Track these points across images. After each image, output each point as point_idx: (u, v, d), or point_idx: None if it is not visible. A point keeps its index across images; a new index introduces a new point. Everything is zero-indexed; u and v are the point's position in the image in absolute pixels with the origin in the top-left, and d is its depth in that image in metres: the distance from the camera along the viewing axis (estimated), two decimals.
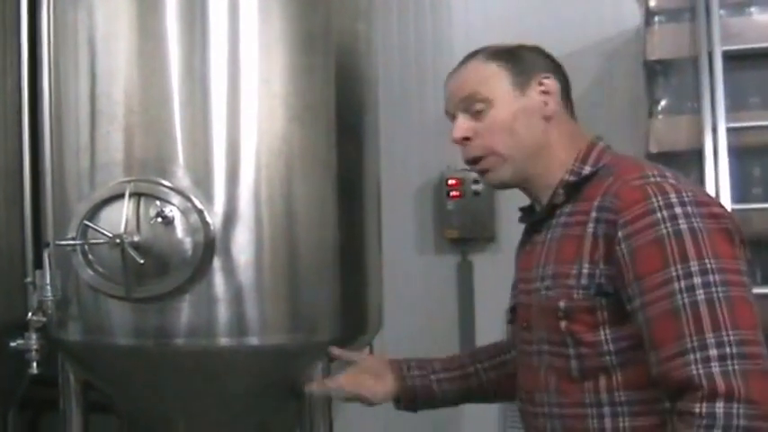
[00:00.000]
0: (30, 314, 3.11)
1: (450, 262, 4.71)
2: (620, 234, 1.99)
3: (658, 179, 2.04)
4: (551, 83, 2.24)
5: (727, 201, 3.40)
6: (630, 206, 2.00)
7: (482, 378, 2.67)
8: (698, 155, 3.54)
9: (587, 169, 2.19)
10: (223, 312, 2.96)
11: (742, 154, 3.56)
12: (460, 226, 4.59)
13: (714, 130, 3.52)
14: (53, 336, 3.16)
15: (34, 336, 3.11)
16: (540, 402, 2.22)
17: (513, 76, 2.24)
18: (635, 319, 2.01)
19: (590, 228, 2.07)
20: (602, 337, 2.06)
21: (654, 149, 3.66)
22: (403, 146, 4.63)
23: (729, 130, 3.51)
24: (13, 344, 3.13)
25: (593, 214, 2.07)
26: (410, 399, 2.68)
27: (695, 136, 3.57)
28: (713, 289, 1.91)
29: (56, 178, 3.16)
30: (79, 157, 3.08)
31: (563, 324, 2.11)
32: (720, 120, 3.52)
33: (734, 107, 3.60)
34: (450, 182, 4.58)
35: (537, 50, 2.32)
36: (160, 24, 3.02)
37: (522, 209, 2.45)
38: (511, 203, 4.15)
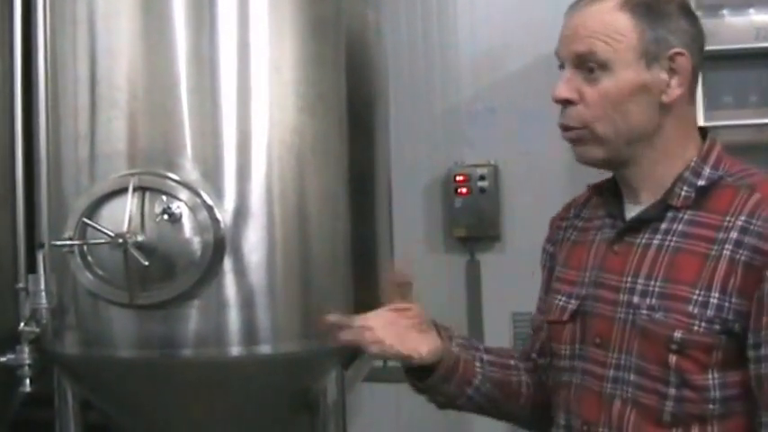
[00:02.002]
0: (21, 324, 3.04)
1: (459, 261, 4.84)
2: None
3: None
4: (685, 61, 2.06)
5: None
6: None
7: (521, 378, 2.44)
8: None
9: (709, 172, 2.06)
10: (234, 319, 2.93)
11: None
12: (468, 224, 4.74)
13: None
14: (48, 348, 3.09)
15: (27, 349, 3.03)
16: None
17: (646, 42, 2.04)
18: (755, 367, 1.92)
19: (727, 250, 1.95)
20: (711, 382, 1.96)
21: None
22: (411, 141, 4.75)
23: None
24: (2, 358, 3.05)
25: (734, 235, 1.95)
26: (450, 370, 2.32)
27: None
28: None
29: (51, 170, 3.11)
30: (77, 146, 3.02)
31: (673, 359, 1.97)
32: (699, 118, 3.68)
33: (709, 106, 3.91)
34: (458, 178, 4.72)
35: (685, 10, 2.11)
36: (165, 1, 2.97)
37: (597, 189, 2.30)
38: (516, 201, 4.17)
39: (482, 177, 4.65)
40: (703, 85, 3.63)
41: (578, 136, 2.10)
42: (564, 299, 2.24)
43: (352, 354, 3.06)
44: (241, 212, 2.93)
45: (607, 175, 2.26)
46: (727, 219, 1.97)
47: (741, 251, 1.92)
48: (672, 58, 2.04)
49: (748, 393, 1.94)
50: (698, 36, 2.12)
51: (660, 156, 2.09)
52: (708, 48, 3.74)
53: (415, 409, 4.42)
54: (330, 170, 3.15)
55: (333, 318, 2.46)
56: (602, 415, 2.08)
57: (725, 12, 4.10)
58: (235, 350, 2.93)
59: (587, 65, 2.05)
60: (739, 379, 1.94)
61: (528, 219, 4.48)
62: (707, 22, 3.82)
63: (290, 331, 3.02)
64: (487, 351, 2.45)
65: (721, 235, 1.96)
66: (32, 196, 3.23)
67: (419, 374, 2.35)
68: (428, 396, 2.41)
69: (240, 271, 2.92)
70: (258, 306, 2.95)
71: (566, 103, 2.09)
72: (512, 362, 2.46)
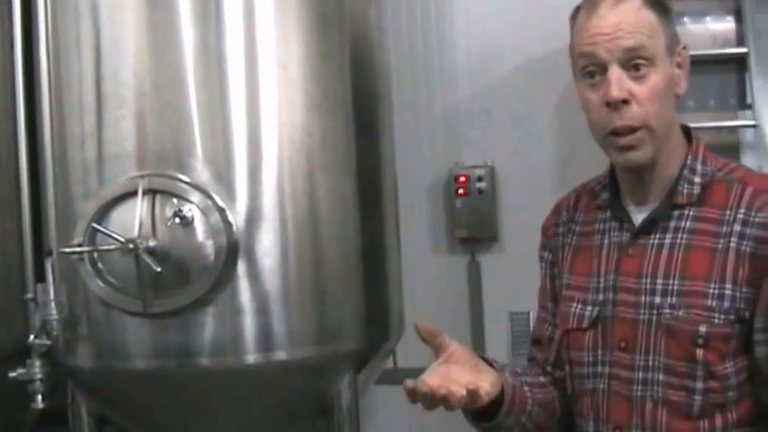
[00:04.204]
0: (32, 337, 3.07)
1: (460, 262, 4.98)
2: None
3: None
4: (687, 55, 2.22)
5: None
6: None
7: (554, 394, 2.43)
8: None
9: (702, 168, 2.20)
10: (249, 325, 3.00)
11: None
12: (468, 225, 4.87)
13: None
14: (60, 362, 3.13)
15: (38, 362, 3.08)
16: None
17: (669, 37, 2.17)
18: (762, 350, 2.08)
19: (733, 242, 2.10)
20: (730, 370, 2.10)
21: None
22: (413, 141, 4.88)
23: None
24: (13, 373, 3.09)
25: (737, 228, 2.10)
26: (511, 401, 2.26)
27: None
28: None
29: (58, 173, 3.14)
30: (84, 147, 3.07)
31: (700, 353, 2.09)
32: None
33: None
34: (460, 179, 4.86)
35: (667, 8, 2.23)
36: None
37: (587, 191, 2.39)
38: (512, 201, 4.27)
39: (480, 178, 4.80)
40: None
41: (638, 137, 2.14)
42: (580, 306, 2.30)
43: (365, 357, 3.12)
44: (253, 214, 2.98)
45: (591, 175, 2.42)
46: (728, 212, 2.11)
47: (745, 242, 2.08)
48: (680, 53, 2.20)
49: (751, 376, 2.10)
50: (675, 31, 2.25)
51: (668, 155, 2.20)
52: None
53: (427, 411, 4.58)
54: (339, 170, 3.20)
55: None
56: (633, 418, 2.20)
57: (685, 20, 4.57)
58: (251, 357, 2.98)
59: (634, 62, 2.13)
60: (746, 363, 2.10)
61: (524, 219, 4.52)
62: None
63: (305, 336, 3.08)
64: (524, 374, 2.43)
65: (724, 228, 2.11)
66: (39, 201, 3.26)
67: (479, 414, 2.26)
68: None
69: (254, 275, 2.97)
70: (273, 311, 3.01)
71: (623, 104, 2.12)
72: (542, 379, 2.46)
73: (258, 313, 2.99)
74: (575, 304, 2.32)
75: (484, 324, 4.91)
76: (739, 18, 4.62)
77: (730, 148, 4.59)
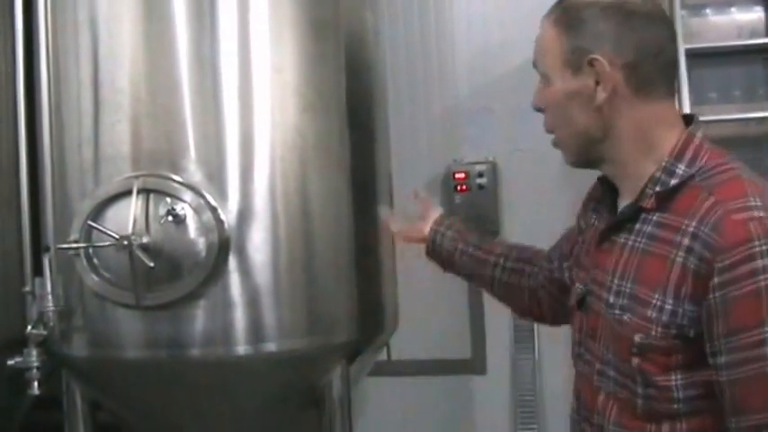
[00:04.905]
0: (29, 327, 3.16)
1: None
2: (716, 280, 1.96)
3: (762, 214, 1.98)
4: (602, 66, 2.14)
5: None
6: (731, 248, 1.94)
7: (496, 274, 2.88)
8: None
9: (681, 170, 2.13)
10: (239, 318, 3.06)
11: None
12: (468, 221, 4.66)
13: None
14: (56, 351, 3.20)
15: (34, 352, 3.16)
16: (600, 426, 2.24)
17: (567, 53, 2.19)
18: (716, 373, 2.00)
19: (680, 256, 2.03)
20: (673, 383, 2.07)
21: None
22: (411, 140, 4.98)
23: None
24: (10, 362, 3.17)
25: (686, 242, 2.02)
26: (434, 252, 3.12)
27: None
28: None
29: (56, 174, 3.22)
30: (82, 150, 3.14)
31: (635, 360, 2.10)
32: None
33: (696, 102, 4.30)
34: (457, 176, 4.94)
35: (608, 11, 2.17)
36: (166, 4, 3.10)
37: (598, 186, 2.43)
38: (514, 197, 4.42)
39: (480, 174, 4.85)
40: (689, 81, 4.09)
41: (556, 141, 2.31)
42: (580, 286, 2.39)
43: (357, 349, 3.15)
44: (245, 213, 3.05)
45: (593, 172, 2.42)
46: (685, 222, 2.05)
47: (691, 258, 2.01)
48: (591, 64, 2.16)
49: (715, 393, 2.02)
50: (627, 34, 2.17)
51: (626, 156, 2.21)
52: (692, 46, 4.17)
53: (421, 402, 4.65)
54: (332, 169, 3.28)
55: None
56: (595, 405, 2.26)
57: (708, 11, 4.50)
58: (241, 349, 3.05)
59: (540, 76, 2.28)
60: (702, 380, 2.04)
61: (525, 214, 4.73)
62: (691, 22, 4.27)
63: (295, 329, 3.16)
64: (474, 246, 3.08)
65: (679, 239, 2.05)
66: (37, 200, 3.33)
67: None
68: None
69: (245, 270, 3.05)
70: (263, 304, 3.08)
71: (538, 110, 2.31)
72: (493, 259, 3.00)
73: (249, 306, 3.05)
74: (578, 284, 2.42)
75: (484, 318, 4.98)
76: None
77: (757, 139, 4.54)
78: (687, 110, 3.97)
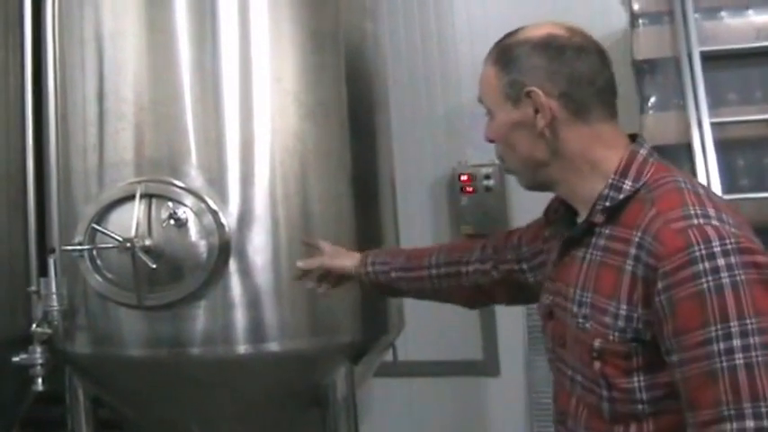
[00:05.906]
0: (34, 326, 3.25)
1: None
2: (660, 285, 2.02)
3: (701, 221, 2.04)
4: (538, 96, 2.25)
5: (717, 191, 3.74)
6: (672, 254, 2.01)
7: (435, 284, 2.94)
8: (687, 148, 4.11)
9: (628, 185, 2.21)
10: (240, 318, 3.12)
11: (726, 147, 4.12)
12: (475, 222, 4.98)
13: (699, 125, 4.10)
14: (59, 348, 3.28)
15: (39, 349, 3.25)
16: (573, 429, 2.32)
17: (506, 87, 2.31)
18: (672, 372, 2.04)
19: (629, 264, 2.11)
20: (636, 385, 2.12)
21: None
22: (415, 144, 4.96)
23: (713, 125, 4.08)
24: (15, 358, 3.25)
25: (633, 251, 2.10)
26: (374, 284, 3.01)
27: (683, 131, 4.16)
28: (753, 353, 1.94)
29: (61, 179, 3.31)
30: (86, 156, 3.23)
31: (596, 365, 2.16)
32: (704, 116, 4.06)
33: (714, 104, 4.20)
34: (462, 178, 4.93)
35: (540, 46, 2.30)
36: (169, 19, 3.20)
37: (551, 208, 2.56)
38: (523, 198, 4.49)
39: (487, 176, 4.87)
40: (706, 83, 4.12)
41: (507, 168, 2.45)
42: (549, 297, 2.48)
43: (361, 349, 3.18)
44: (245, 216, 3.12)
45: None
46: (633, 233, 2.12)
47: (639, 266, 2.08)
48: (528, 96, 2.27)
49: (678, 392, 2.05)
50: (558, 67, 2.28)
51: (574, 177, 2.31)
52: (707, 48, 4.23)
53: (431, 405, 4.59)
54: (333, 173, 3.36)
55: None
56: (568, 408, 2.35)
57: (723, 14, 4.42)
58: (242, 348, 3.12)
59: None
60: (665, 381, 2.08)
61: (535, 215, 4.75)
62: (705, 24, 4.32)
63: (298, 329, 3.23)
64: (403, 268, 3.02)
65: (628, 249, 2.12)
66: (44, 204, 3.40)
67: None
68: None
69: (245, 272, 3.11)
70: (264, 305, 3.16)
71: (490, 142, 2.44)
72: (425, 273, 3.00)
73: (249, 307, 3.14)
74: (546, 294, 2.49)
75: (495, 318, 4.93)
76: None
77: None
78: (704, 113, 4.04)
